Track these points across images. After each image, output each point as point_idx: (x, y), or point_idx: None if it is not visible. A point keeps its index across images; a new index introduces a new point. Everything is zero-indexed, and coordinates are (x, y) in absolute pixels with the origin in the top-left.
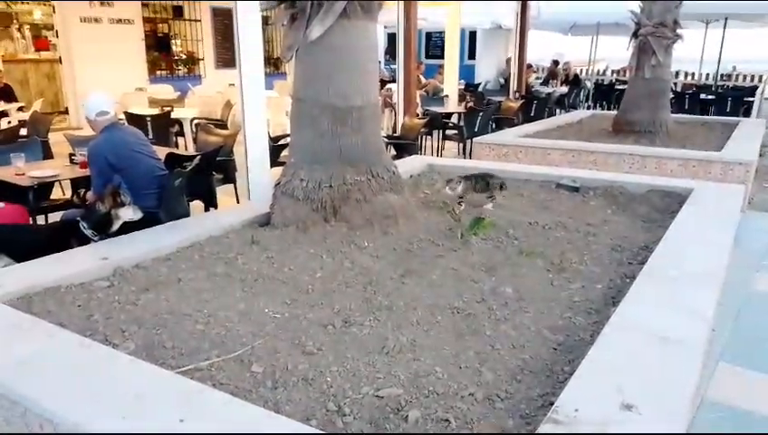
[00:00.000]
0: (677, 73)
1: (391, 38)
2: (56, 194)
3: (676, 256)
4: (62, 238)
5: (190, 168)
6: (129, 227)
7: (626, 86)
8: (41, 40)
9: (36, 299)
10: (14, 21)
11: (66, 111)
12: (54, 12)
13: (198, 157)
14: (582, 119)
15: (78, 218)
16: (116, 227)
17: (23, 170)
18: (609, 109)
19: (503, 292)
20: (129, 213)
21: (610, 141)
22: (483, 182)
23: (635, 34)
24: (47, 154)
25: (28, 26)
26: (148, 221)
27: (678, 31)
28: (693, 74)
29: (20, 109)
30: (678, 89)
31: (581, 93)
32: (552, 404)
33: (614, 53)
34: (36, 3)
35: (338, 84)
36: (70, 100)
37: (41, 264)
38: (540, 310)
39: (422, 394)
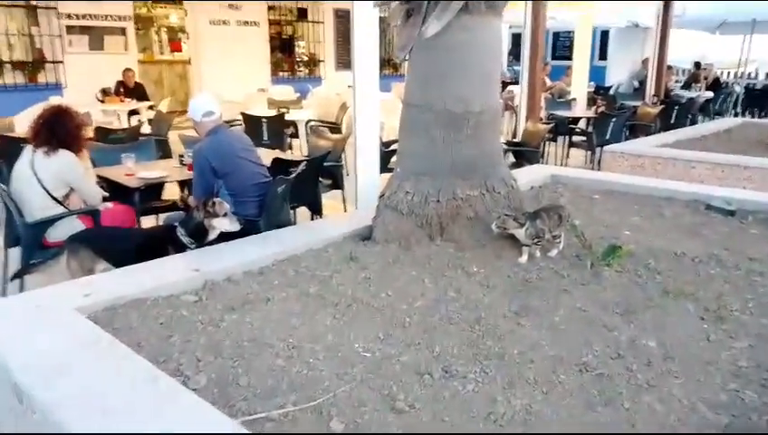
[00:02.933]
0: None
1: (515, 39)
2: (170, 194)
3: None
4: (161, 244)
5: (293, 175)
6: (228, 235)
7: None
8: (175, 42)
9: (121, 311)
10: (154, 24)
11: None
12: (186, 15)
13: (304, 163)
14: (731, 128)
15: (176, 224)
16: (213, 236)
17: (132, 171)
18: (762, 117)
19: (644, 346)
20: (225, 224)
21: None
22: (555, 217)
23: None
24: (166, 153)
25: (165, 29)
26: (249, 230)
27: None
28: None
29: (150, 107)
30: None
31: (729, 99)
32: None
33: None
34: (173, 6)
35: (454, 87)
36: None
37: (132, 272)
38: (694, 375)
39: None
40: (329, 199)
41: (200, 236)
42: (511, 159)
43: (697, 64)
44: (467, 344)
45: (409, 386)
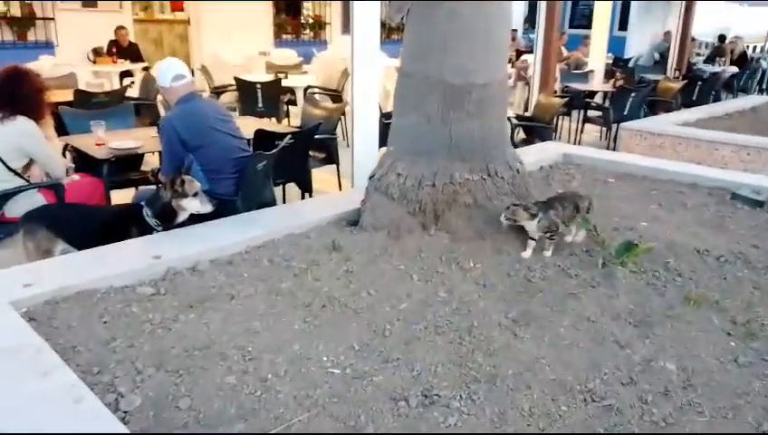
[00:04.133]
0: None
1: (532, 5)
2: (151, 165)
3: None
4: (126, 224)
5: (275, 150)
6: (201, 216)
7: None
8: (177, 1)
9: (63, 306)
10: None
11: (192, 73)
12: None
13: (289, 136)
14: (758, 106)
15: (142, 204)
16: (182, 218)
17: (103, 140)
18: None
19: (661, 369)
20: (195, 205)
21: None
22: (570, 207)
23: None
24: (155, 119)
25: None
26: (224, 210)
27: None
28: None
29: (145, 69)
30: None
31: (755, 76)
32: None
33: None
34: None
35: (455, 56)
36: (196, 62)
37: (84, 258)
38: (721, 410)
39: None
40: (325, 174)
41: (168, 218)
42: (521, 135)
43: (722, 37)
44: (454, 362)
45: (381, 415)
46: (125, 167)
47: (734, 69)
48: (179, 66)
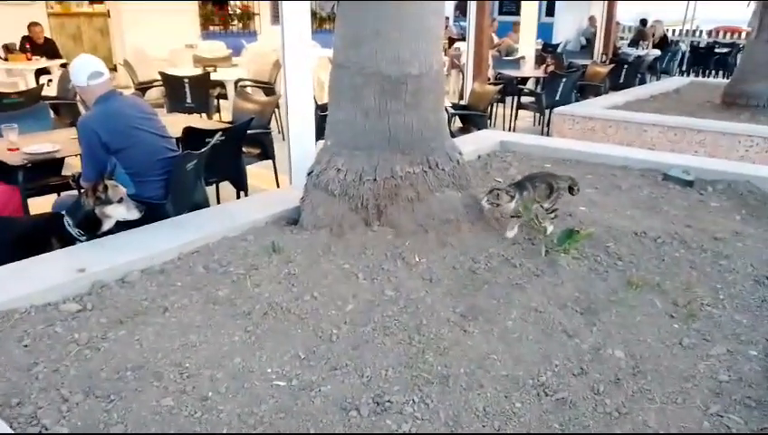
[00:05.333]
0: None
1: None
2: (73, 168)
3: None
4: (46, 235)
5: (206, 149)
6: (128, 223)
7: (727, 50)
8: None
9: None
10: None
11: (115, 69)
12: None
13: (220, 133)
14: (680, 87)
15: (63, 212)
16: (108, 226)
17: (16, 145)
18: (705, 75)
19: (610, 356)
20: (120, 212)
21: (719, 117)
22: (543, 186)
23: None
24: (76, 118)
25: None
26: (153, 215)
27: None
28: None
29: (63, 65)
30: None
31: (675, 57)
32: None
33: (707, 14)
34: None
35: (389, 46)
36: (118, 56)
37: (0, 274)
38: (670, 396)
39: None
40: (261, 170)
41: (92, 227)
42: (458, 123)
43: (643, 21)
44: (404, 364)
45: (331, 428)
46: (44, 172)
47: (657, 52)
48: (95, 63)
